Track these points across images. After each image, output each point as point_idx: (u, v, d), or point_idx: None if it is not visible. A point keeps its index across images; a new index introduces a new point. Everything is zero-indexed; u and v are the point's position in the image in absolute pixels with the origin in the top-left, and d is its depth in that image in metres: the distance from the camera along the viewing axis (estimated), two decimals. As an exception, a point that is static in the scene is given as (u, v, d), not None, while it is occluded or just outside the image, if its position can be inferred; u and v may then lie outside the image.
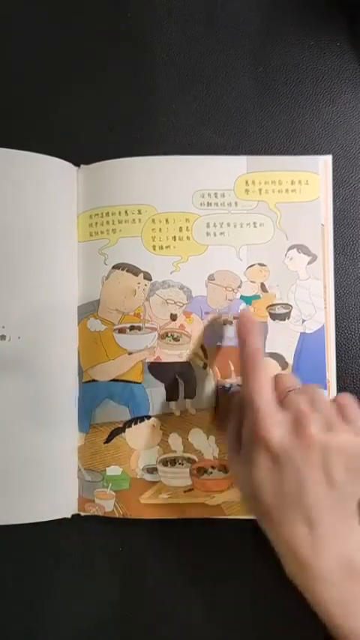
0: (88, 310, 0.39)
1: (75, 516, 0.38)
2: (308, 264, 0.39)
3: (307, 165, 0.39)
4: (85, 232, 0.40)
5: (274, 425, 0.30)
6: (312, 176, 0.39)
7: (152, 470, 0.38)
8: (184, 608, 0.38)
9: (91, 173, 0.40)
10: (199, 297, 0.39)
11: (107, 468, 0.38)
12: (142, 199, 0.39)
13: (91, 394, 0.39)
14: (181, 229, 0.39)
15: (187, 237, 0.39)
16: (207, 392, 0.39)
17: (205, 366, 0.39)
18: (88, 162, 0.40)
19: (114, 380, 0.39)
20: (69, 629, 0.39)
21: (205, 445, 0.38)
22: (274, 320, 0.39)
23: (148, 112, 0.41)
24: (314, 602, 0.29)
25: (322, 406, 0.31)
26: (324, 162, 0.40)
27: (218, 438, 0.38)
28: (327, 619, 0.29)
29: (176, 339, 0.39)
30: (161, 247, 0.39)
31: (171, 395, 0.38)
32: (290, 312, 0.39)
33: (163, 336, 0.39)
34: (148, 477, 0.38)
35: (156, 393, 0.38)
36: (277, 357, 0.38)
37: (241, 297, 0.39)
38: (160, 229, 0.39)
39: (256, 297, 0.39)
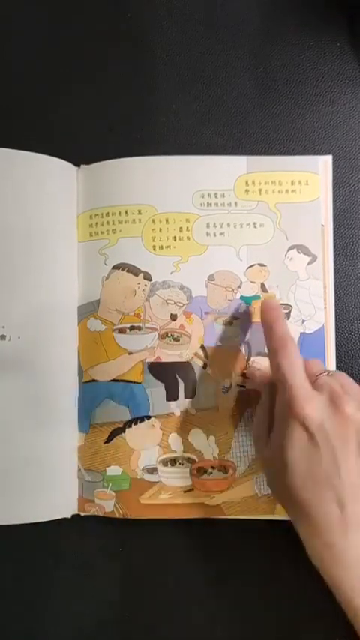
0: (88, 310, 0.39)
1: (75, 516, 0.38)
2: (308, 264, 0.39)
3: (307, 165, 0.39)
4: (85, 232, 0.40)
5: (311, 402, 0.30)
6: (312, 176, 0.39)
7: (152, 470, 0.38)
8: (184, 608, 0.39)
9: (91, 173, 0.40)
10: (199, 297, 0.39)
11: (107, 468, 0.38)
12: (142, 199, 0.39)
13: (91, 394, 0.39)
14: (181, 229, 0.39)
15: (187, 238, 0.39)
16: (207, 392, 0.39)
17: (205, 366, 0.39)
18: (88, 162, 0.40)
19: (114, 380, 0.39)
20: (69, 629, 0.39)
21: (205, 445, 0.38)
22: (274, 320, 0.39)
23: (148, 112, 0.41)
24: (334, 585, 0.29)
25: (353, 389, 0.31)
26: (324, 163, 0.40)
27: (218, 438, 0.38)
28: (346, 604, 0.29)
29: (176, 340, 0.39)
30: (161, 247, 0.39)
31: (171, 395, 0.38)
32: (290, 312, 0.39)
33: (163, 337, 0.39)
34: (148, 477, 0.38)
35: (156, 393, 0.38)
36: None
37: (241, 297, 0.39)
38: (160, 229, 0.39)
39: (256, 297, 0.39)
